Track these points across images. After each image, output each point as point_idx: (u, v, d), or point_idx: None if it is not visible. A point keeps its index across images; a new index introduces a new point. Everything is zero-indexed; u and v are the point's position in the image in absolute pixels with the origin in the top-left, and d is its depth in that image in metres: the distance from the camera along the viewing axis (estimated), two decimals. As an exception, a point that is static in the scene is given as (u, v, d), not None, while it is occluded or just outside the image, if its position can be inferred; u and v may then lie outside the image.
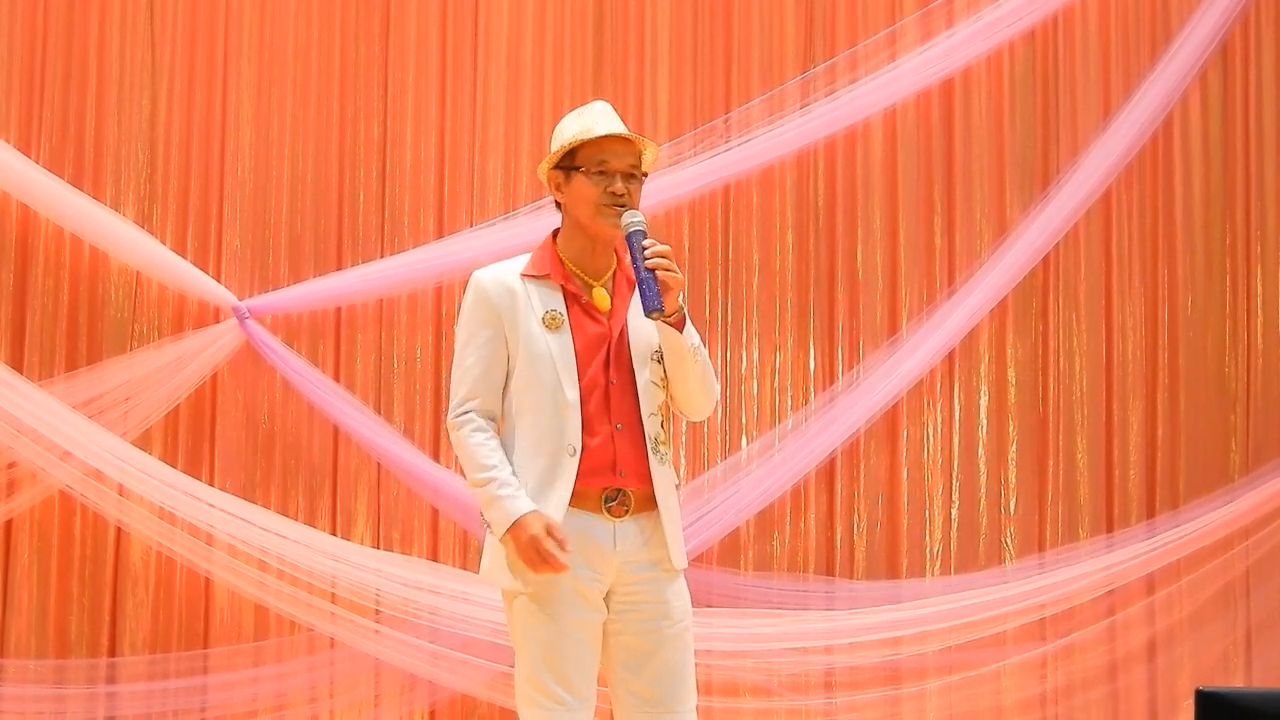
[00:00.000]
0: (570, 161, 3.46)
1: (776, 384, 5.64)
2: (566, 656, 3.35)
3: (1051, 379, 5.74)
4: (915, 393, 5.65)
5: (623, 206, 3.40)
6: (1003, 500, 5.68)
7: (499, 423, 3.44)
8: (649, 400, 3.42)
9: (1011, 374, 5.74)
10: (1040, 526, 5.69)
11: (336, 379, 5.45)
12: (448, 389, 5.42)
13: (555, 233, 3.55)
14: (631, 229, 3.37)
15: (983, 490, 5.67)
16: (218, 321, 5.39)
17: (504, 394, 3.43)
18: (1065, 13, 5.83)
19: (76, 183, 5.39)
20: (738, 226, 5.69)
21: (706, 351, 3.52)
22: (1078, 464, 5.71)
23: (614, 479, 3.39)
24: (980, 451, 5.70)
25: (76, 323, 5.41)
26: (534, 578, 3.33)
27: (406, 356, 5.52)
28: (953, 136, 5.78)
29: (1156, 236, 5.82)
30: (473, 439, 3.40)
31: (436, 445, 5.49)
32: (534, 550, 3.26)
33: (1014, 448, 5.71)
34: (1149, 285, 5.79)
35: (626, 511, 3.40)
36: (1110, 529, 5.67)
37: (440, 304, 5.54)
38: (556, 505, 3.34)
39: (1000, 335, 5.74)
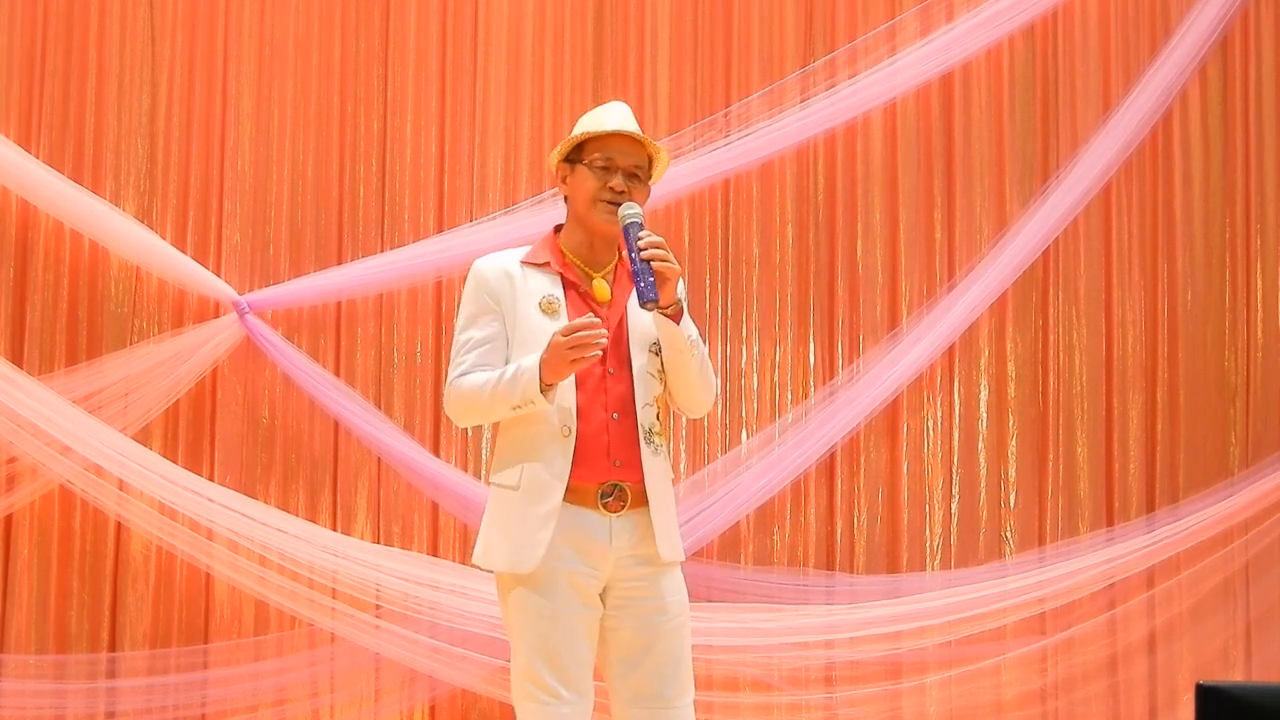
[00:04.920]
0: (578, 155, 3.50)
1: (776, 378, 5.64)
2: (563, 649, 3.34)
3: (1051, 373, 5.74)
4: (915, 387, 5.65)
5: (618, 204, 3.43)
6: (1002, 494, 5.68)
7: None
8: (644, 390, 3.43)
9: (1011, 368, 5.74)
10: (1040, 520, 5.68)
11: (337, 374, 5.44)
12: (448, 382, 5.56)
13: (559, 226, 3.59)
14: (628, 220, 3.40)
15: (982, 484, 5.67)
16: (218, 316, 5.39)
17: None
18: (1065, 7, 5.83)
19: (76, 177, 5.39)
20: (737, 221, 5.69)
21: (705, 346, 3.52)
22: (1077, 458, 5.71)
23: (610, 471, 3.39)
24: (980, 446, 5.69)
25: (76, 317, 5.41)
26: (528, 556, 3.33)
27: (407, 351, 5.52)
28: (952, 131, 5.77)
29: (1156, 230, 5.81)
30: (464, 380, 3.44)
31: (437, 440, 5.49)
32: (567, 349, 3.26)
33: (1014, 442, 5.70)
34: (1148, 279, 5.79)
35: (623, 506, 3.40)
36: (1110, 523, 5.67)
37: (440, 298, 5.54)
38: (553, 490, 3.35)
39: (1000, 329, 5.74)
